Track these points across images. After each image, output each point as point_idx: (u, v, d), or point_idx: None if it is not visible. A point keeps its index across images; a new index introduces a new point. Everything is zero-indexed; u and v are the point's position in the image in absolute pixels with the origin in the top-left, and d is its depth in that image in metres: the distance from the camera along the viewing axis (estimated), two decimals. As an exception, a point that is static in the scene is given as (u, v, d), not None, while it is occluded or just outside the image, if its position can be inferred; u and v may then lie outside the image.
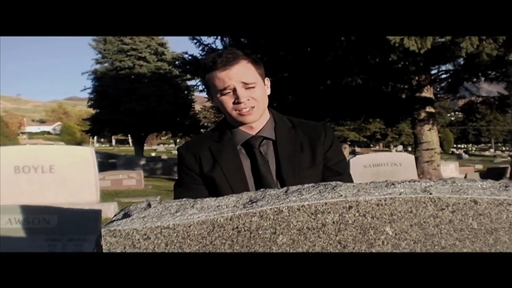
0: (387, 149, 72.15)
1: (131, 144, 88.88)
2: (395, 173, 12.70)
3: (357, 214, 1.22)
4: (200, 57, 22.55)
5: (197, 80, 23.26)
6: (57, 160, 10.07)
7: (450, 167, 26.82)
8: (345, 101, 20.49)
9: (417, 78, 19.36)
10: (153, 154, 60.98)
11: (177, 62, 24.17)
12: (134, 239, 1.18)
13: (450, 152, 79.74)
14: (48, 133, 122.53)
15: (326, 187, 1.28)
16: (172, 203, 1.28)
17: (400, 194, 1.25)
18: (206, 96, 2.38)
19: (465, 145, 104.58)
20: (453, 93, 23.25)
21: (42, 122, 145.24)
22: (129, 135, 58.99)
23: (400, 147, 75.06)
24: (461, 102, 31.03)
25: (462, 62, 18.91)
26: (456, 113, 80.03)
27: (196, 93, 51.92)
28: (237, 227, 1.20)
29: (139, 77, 44.97)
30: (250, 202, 1.25)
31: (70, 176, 9.97)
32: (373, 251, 1.22)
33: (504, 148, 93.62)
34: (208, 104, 40.93)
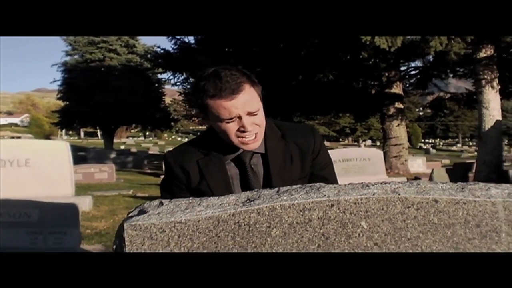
0: (356, 143, 72.94)
1: (99, 137, 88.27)
2: (364, 168, 13.01)
3: (338, 211, 1.46)
4: (172, 51, 22.66)
5: (169, 74, 23.27)
6: (33, 154, 10.13)
7: (417, 162, 27.28)
8: (316, 96, 20.78)
9: (387, 74, 19.74)
10: (122, 147, 60.76)
11: (149, 56, 24.21)
12: (151, 232, 1.40)
13: (418, 147, 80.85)
14: (16, 125, 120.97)
15: (312, 188, 1.52)
16: (181, 202, 1.50)
17: (373, 194, 1.49)
18: (200, 117, 2.33)
19: (433, 140, 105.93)
20: (422, 89, 23.70)
21: (9, 114, 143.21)
22: (98, 128, 58.56)
23: (369, 142, 75.93)
24: (430, 98, 31.56)
25: (431, 59, 19.34)
26: (425, 108, 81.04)
27: (167, 86, 51.78)
28: (238, 222, 1.43)
29: (109, 69, 44.74)
30: (248, 201, 1.48)
31: (46, 170, 10.04)
32: (351, 242, 1.46)
33: (471, 143, 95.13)
34: (178, 97, 41.01)
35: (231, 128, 2.11)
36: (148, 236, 1.40)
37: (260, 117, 2.15)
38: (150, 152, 52.49)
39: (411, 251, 1.49)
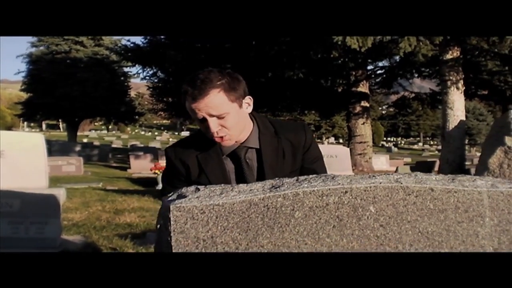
0: (319, 140, 73.65)
1: (61, 129, 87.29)
2: (331, 165, 13.24)
3: (350, 197, 1.71)
4: (142, 45, 22.69)
5: (138, 68, 23.31)
6: (7, 146, 10.16)
7: (381, 160, 27.77)
8: (283, 93, 21.06)
9: (354, 73, 20.11)
10: (85, 140, 60.27)
11: (118, 49, 24.19)
12: (193, 213, 1.63)
13: (380, 145, 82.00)
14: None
15: (327, 177, 1.77)
16: (216, 188, 1.73)
17: (380, 183, 1.75)
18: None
19: (395, 139, 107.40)
20: (387, 88, 24.16)
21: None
22: (60, 120, 57.91)
23: (332, 139, 76.76)
24: (393, 97, 32.09)
25: (398, 59, 19.77)
26: (389, 107, 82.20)
27: (133, 80, 51.59)
28: (267, 205, 1.66)
29: (75, 61, 44.35)
30: (273, 187, 1.72)
31: (20, 162, 10.09)
32: (360, 223, 1.72)
33: (432, 142, 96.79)
34: (143, 91, 40.92)
35: (202, 127, 2.34)
36: (190, 216, 1.63)
37: (230, 121, 2.30)
38: (113, 145, 52.28)
39: (410, 232, 1.75)
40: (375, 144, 74.27)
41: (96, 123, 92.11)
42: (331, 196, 1.70)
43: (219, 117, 2.29)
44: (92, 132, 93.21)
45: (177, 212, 1.63)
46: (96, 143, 49.72)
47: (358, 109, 21.23)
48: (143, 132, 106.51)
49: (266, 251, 1.67)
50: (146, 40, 22.66)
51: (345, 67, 18.10)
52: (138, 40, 23.76)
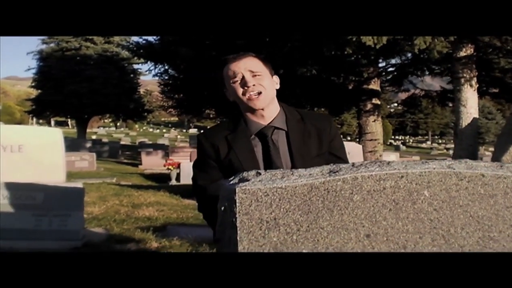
0: (328, 138, 73.34)
1: (70, 126, 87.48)
2: (344, 161, 13.40)
3: (406, 181, 1.78)
4: (154, 42, 22.73)
5: (150, 65, 23.31)
6: (26, 140, 10.26)
7: (391, 158, 27.71)
8: (294, 90, 21.03)
9: (365, 70, 20.06)
10: (93, 137, 60.41)
11: (130, 46, 24.23)
12: (258, 195, 1.70)
13: (388, 143, 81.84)
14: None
15: (383, 163, 1.84)
16: (277, 172, 1.80)
17: (434, 168, 1.82)
18: (224, 93, 2.69)
19: (403, 137, 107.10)
20: (398, 86, 24.11)
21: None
22: (69, 117, 58.06)
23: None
24: (402, 95, 32.02)
25: (409, 57, 19.70)
26: (395, 105, 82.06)
27: (142, 77, 51.64)
28: (327, 189, 1.73)
29: (85, 58, 44.38)
30: (331, 172, 1.80)
31: (38, 156, 10.19)
32: (415, 207, 1.78)
33: (440, 141, 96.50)
34: (151, 88, 41.10)
35: (237, 87, 2.52)
36: (255, 198, 1.70)
37: (266, 81, 2.53)
38: (122, 142, 52.47)
39: (462, 216, 1.82)
40: (384, 142, 74.24)
41: (105, 120, 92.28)
42: (388, 180, 1.77)
43: (256, 74, 2.51)
44: (100, 129, 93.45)
45: (242, 194, 1.70)
46: (105, 140, 49.90)
47: (369, 106, 21.17)
48: (151, 129, 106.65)
49: (325, 233, 1.73)
50: (158, 37, 22.69)
51: (357, 64, 18.07)
52: (149, 37, 23.95)
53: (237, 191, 1.70)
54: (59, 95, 42.94)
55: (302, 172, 1.80)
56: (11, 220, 6.73)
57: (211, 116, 32.20)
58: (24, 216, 6.76)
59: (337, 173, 1.78)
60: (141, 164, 24.78)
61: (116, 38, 45.93)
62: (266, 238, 1.71)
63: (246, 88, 2.49)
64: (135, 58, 27.31)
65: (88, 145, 33.09)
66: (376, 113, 21.21)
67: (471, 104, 15.70)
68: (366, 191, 1.76)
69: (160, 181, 17.07)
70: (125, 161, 29.59)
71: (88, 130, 53.60)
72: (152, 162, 24.32)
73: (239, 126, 2.59)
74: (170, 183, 16.20)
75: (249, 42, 16.92)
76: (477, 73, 15.83)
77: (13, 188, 6.90)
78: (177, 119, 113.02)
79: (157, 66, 23.46)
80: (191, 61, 20.54)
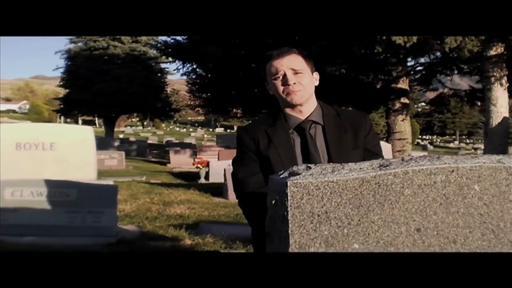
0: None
1: (97, 125, 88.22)
2: (373, 160, 13.34)
3: (456, 176, 1.78)
4: (183, 41, 22.84)
5: (178, 64, 23.42)
6: (58, 138, 10.39)
7: (419, 157, 27.30)
8: (322, 89, 20.98)
9: (394, 69, 19.94)
10: (121, 136, 60.89)
11: (158, 45, 24.36)
12: (309, 189, 1.71)
13: (416, 143, 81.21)
14: (14, 111, 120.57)
15: (432, 157, 1.84)
16: (327, 166, 1.81)
17: (484, 163, 1.81)
18: (266, 87, 2.77)
19: (430, 137, 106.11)
20: (426, 85, 23.92)
21: (7, 100, 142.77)
22: (96, 116, 58.53)
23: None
24: (429, 94, 31.72)
25: (438, 56, 19.54)
26: (422, 104, 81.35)
27: (169, 76, 51.87)
28: (378, 183, 1.74)
29: (112, 58, 44.68)
30: (381, 166, 1.80)
31: (70, 154, 10.31)
32: (465, 201, 1.78)
33: (468, 141, 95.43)
34: (178, 88, 41.36)
35: (278, 84, 2.60)
36: (306, 192, 1.71)
37: (305, 79, 2.62)
38: (149, 141, 52.79)
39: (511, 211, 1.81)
40: (411, 142, 73.68)
41: (132, 119, 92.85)
42: (439, 174, 1.77)
43: (297, 72, 2.59)
44: (127, 128, 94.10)
45: (294, 187, 1.71)
46: (132, 139, 50.27)
47: (397, 105, 21.04)
48: (177, 129, 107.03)
49: (376, 227, 1.74)
50: (186, 36, 22.79)
51: (386, 62, 17.96)
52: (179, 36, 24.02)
53: (288, 184, 1.71)
54: (87, 94, 43.34)
55: (353, 166, 1.81)
56: (45, 217, 6.83)
57: (238, 115, 32.27)
58: (58, 213, 6.86)
59: (387, 167, 1.78)
60: (169, 162, 24.93)
61: (144, 38, 46.15)
62: (317, 231, 1.72)
63: (286, 85, 2.57)
64: (163, 57, 27.49)
65: (116, 143, 33.38)
66: (405, 112, 21.08)
67: (501, 103, 15.54)
68: (417, 185, 1.76)
69: (189, 179, 17.16)
70: (153, 159, 29.78)
71: (115, 129, 54.02)
72: (180, 161, 24.46)
73: (278, 120, 2.67)
74: (199, 182, 16.27)
75: (278, 41, 16.95)
76: (507, 72, 15.65)
77: (47, 185, 6.99)
78: (203, 118, 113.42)
79: (185, 65, 23.57)
80: (219, 60, 20.63)
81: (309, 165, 1.85)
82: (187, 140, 52.14)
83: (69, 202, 6.90)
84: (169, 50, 23.04)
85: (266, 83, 2.73)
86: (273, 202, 1.79)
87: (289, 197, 1.71)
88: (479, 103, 25.29)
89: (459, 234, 1.79)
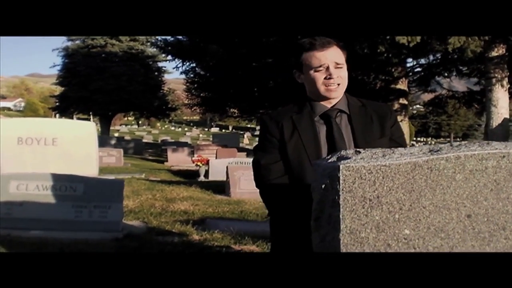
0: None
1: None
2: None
3: (507, 162, 1.76)
4: (183, 39, 22.77)
5: (178, 62, 23.36)
6: (60, 133, 10.37)
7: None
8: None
9: (394, 70, 19.94)
10: (116, 135, 60.76)
11: (158, 43, 24.29)
12: (361, 172, 1.68)
13: (410, 145, 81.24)
14: (9, 109, 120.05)
15: (482, 143, 1.82)
16: (377, 151, 1.79)
17: (535, 149, 1.79)
18: (295, 75, 2.72)
19: (425, 139, 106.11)
20: (425, 86, 23.95)
21: (2, 98, 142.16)
22: (91, 114, 58.41)
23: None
24: (424, 96, 31.71)
25: (438, 57, 19.54)
26: (418, 106, 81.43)
27: (166, 75, 51.82)
28: (430, 167, 1.71)
29: (110, 56, 44.61)
30: (431, 151, 1.77)
31: (73, 150, 10.28)
32: (516, 189, 1.76)
33: (463, 143, 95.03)
34: (174, 87, 41.32)
35: (319, 76, 2.55)
36: (358, 176, 1.69)
37: (344, 73, 2.60)
38: (144, 140, 52.71)
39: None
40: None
41: (129, 118, 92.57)
42: (490, 160, 1.75)
43: (338, 66, 2.56)
44: (123, 127, 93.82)
45: (346, 171, 1.68)
46: (127, 137, 50.15)
47: (396, 106, 21.04)
48: (173, 128, 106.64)
49: (427, 212, 1.71)
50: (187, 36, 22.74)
51: (388, 63, 17.95)
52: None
53: (341, 168, 1.69)
54: (85, 92, 43.24)
55: (403, 151, 1.79)
56: (51, 211, 6.77)
57: (234, 115, 32.30)
58: (64, 207, 6.80)
59: (438, 152, 1.76)
60: (167, 160, 24.88)
61: (141, 36, 46.07)
62: (369, 216, 1.69)
63: (328, 78, 2.54)
64: (163, 55, 27.38)
65: (113, 141, 33.28)
66: (404, 113, 21.09)
67: (502, 104, 15.56)
68: (469, 171, 1.74)
69: (188, 177, 17.12)
70: (150, 158, 29.70)
71: (110, 128, 53.91)
72: (177, 159, 24.42)
73: (304, 108, 2.65)
74: (199, 179, 16.24)
75: (280, 40, 16.92)
76: (508, 73, 15.67)
77: (53, 179, 6.93)
78: (199, 118, 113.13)
79: (184, 63, 23.51)
80: (220, 58, 20.59)
81: (358, 149, 1.83)
82: (182, 139, 52.10)
83: (75, 196, 6.85)
84: (169, 48, 22.99)
85: (294, 70, 2.69)
86: (323, 186, 1.76)
87: (341, 181, 1.68)
88: (476, 105, 25.37)
89: (508, 221, 1.77)
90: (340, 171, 1.68)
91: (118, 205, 6.92)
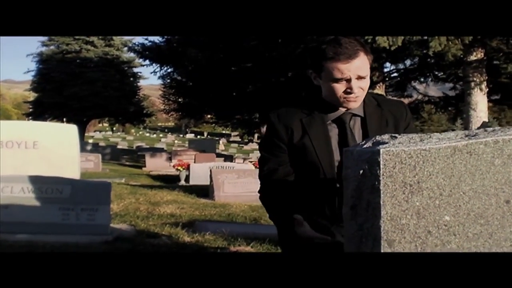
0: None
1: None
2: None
3: (545, 146, 1.74)
4: (161, 44, 22.67)
5: (156, 67, 23.27)
6: (41, 137, 10.18)
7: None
8: (299, 93, 20.97)
9: (373, 74, 20.08)
10: (90, 141, 60.32)
11: (136, 47, 24.17)
12: (402, 157, 1.64)
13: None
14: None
15: (517, 128, 1.80)
16: (414, 135, 1.75)
17: None
18: (312, 76, 2.55)
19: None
20: (401, 91, 24.17)
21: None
22: (65, 121, 57.93)
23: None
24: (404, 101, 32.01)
25: (416, 61, 19.73)
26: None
27: (141, 81, 51.71)
28: (469, 151, 1.68)
29: (85, 61, 44.45)
30: (468, 136, 1.75)
31: (54, 153, 10.10)
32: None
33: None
34: (148, 93, 41.34)
35: (339, 88, 2.38)
36: (399, 160, 1.65)
37: (366, 82, 2.43)
38: (119, 146, 52.39)
39: None
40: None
41: (104, 124, 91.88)
42: (528, 144, 1.73)
43: (361, 78, 2.39)
44: (97, 133, 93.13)
45: (386, 156, 1.64)
46: (102, 144, 49.79)
47: (373, 111, 21.09)
48: (147, 134, 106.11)
49: (467, 198, 1.69)
50: (164, 39, 22.65)
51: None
52: (155, 38, 23.64)
53: (381, 152, 1.64)
54: (59, 98, 42.97)
55: (440, 136, 1.76)
56: (38, 214, 6.63)
57: (211, 121, 32.29)
58: (51, 210, 6.67)
59: (475, 136, 1.73)
60: (145, 166, 24.75)
61: (117, 41, 45.91)
62: (409, 202, 1.66)
63: (348, 91, 2.39)
64: (140, 60, 27.29)
65: (89, 147, 33.03)
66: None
67: (480, 107, 15.77)
68: (507, 155, 1.71)
69: (168, 182, 17.05)
70: (127, 163, 29.50)
71: (85, 134, 53.55)
72: (155, 164, 24.30)
73: (315, 109, 2.51)
74: (180, 184, 16.17)
75: (261, 43, 16.93)
76: (487, 77, 15.89)
77: (39, 181, 6.80)
78: (173, 124, 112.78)
79: (162, 67, 23.42)
80: (198, 62, 20.54)
81: (393, 134, 1.79)
82: (158, 145, 51.92)
83: (62, 199, 6.71)
84: (147, 52, 22.88)
85: (311, 71, 2.52)
86: (361, 172, 1.72)
87: (381, 166, 1.64)
88: (451, 110, 25.71)
89: (546, 207, 1.74)
90: (381, 156, 1.64)
91: (106, 208, 6.80)
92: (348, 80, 2.37)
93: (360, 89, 2.41)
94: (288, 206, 2.50)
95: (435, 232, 1.67)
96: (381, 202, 1.64)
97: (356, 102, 2.45)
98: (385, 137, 1.78)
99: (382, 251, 1.64)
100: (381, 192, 1.64)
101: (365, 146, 1.77)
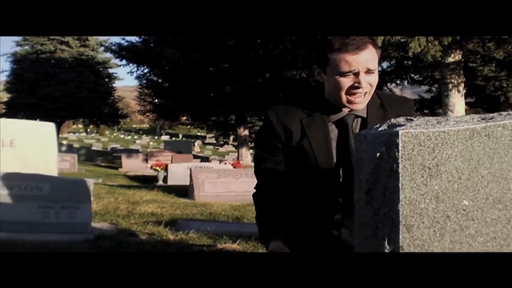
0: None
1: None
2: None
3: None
4: (138, 44, 22.51)
5: (132, 67, 23.09)
6: (19, 135, 10.02)
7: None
8: (277, 95, 20.95)
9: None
10: (64, 142, 59.76)
11: (113, 47, 23.95)
12: (420, 139, 1.59)
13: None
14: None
15: (535, 112, 1.76)
16: (430, 118, 1.70)
17: None
18: (316, 72, 2.40)
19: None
20: (378, 94, 24.28)
21: None
22: (37, 121, 57.29)
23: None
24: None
25: (393, 63, 19.87)
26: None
27: (116, 82, 51.33)
28: (487, 134, 1.64)
29: (59, 62, 43.94)
30: (485, 119, 1.71)
31: (31, 151, 9.94)
32: None
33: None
34: (122, 94, 41.05)
35: (345, 82, 2.21)
36: (417, 142, 1.60)
37: (375, 78, 2.27)
38: (93, 148, 52.12)
39: None
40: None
41: (78, 125, 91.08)
42: (545, 128, 1.69)
43: (370, 72, 2.23)
44: (71, 135, 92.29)
45: (405, 137, 1.59)
46: (76, 145, 49.35)
47: (351, 113, 21.21)
48: (122, 136, 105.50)
49: (486, 182, 1.64)
50: (141, 39, 22.49)
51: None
52: (132, 38, 23.48)
53: (400, 134, 1.59)
54: (33, 98, 42.42)
55: (457, 119, 1.71)
56: (17, 212, 6.51)
57: (186, 122, 32.19)
58: (30, 208, 6.55)
59: (492, 119, 1.69)
60: (121, 167, 24.58)
61: (92, 42, 45.52)
62: (428, 186, 1.60)
63: (355, 86, 2.23)
64: (116, 60, 27.06)
65: (64, 148, 32.72)
66: (358, 120, 21.30)
67: (458, 109, 15.90)
68: (525, 139, 1.67)
69: (145, 182, 16.95)
70: (103, 164, 29.27)
71: (59, 135, 52.99)
72: (131, 165, 24.14)
73: (316, 109, 2.37)
74: (157, 184, 16.07)
75: (240, 43, 16.87)
76: (464, 79, 16.03)
77: (17, 178, 6.67)
78: (148, 126, 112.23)
79: (139, 68, 23.26)
80: (176, 63, 20.41)
81: (409, 117, 1.74)
82: (133, 147, 51.72)
83: (41, 196, 6.60)
84: (124, 52, 22.70)
85: (315, 67, 2.37)
86: (377, 155, 1.66)
87: (400, 148, 1.59)
88: (426, 112, 25.98)
89: None
90: (400, 137, 1.59)
91: (86, 206, 6.71)
92: (356, 74, 2.20)
93: (369, 84, 2.25)
94: (278, 212, 2.39)
95: (453, 217, 1.62)
96: (400, 186, 1.58)
97: (362, 103, 2.30)
98: (401, 119, 1.73)
99: (400, 236, 1.59)
100: (400, 175, 1.58)
101: (380, 129, 1.72)
